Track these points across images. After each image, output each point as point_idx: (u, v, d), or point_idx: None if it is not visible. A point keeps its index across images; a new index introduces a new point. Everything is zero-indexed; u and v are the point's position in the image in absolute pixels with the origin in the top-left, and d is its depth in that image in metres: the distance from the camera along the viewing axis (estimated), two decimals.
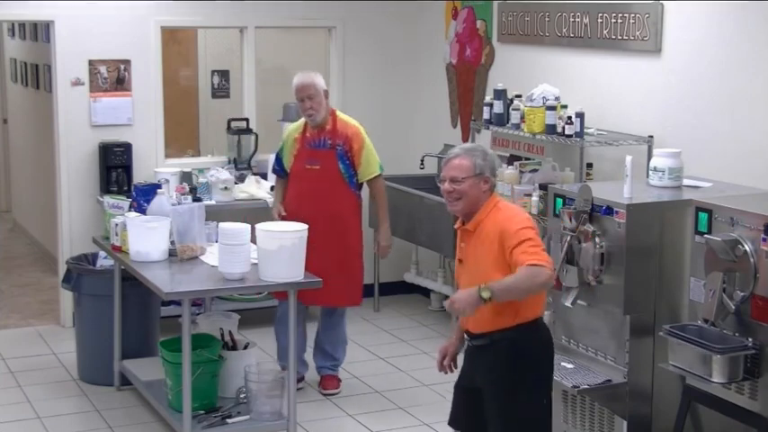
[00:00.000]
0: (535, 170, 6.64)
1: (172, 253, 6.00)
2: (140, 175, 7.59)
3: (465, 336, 4.52)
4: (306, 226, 5.63)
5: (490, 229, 4.31)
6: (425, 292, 8.42)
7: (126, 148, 7.70)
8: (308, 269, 5.67)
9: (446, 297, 8.01)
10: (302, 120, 6.46)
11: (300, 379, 6.50)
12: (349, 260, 6.40)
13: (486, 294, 4.12)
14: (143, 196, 6.35)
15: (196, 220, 6.06)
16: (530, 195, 6.48)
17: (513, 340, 4.30)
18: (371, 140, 6.43)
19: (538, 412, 4.39)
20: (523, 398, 4.33)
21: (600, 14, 6.60)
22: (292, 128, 6.53)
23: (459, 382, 4.62)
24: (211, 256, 5.93)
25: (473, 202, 4.37)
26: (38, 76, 9.47)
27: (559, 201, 5.43)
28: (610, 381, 5.17)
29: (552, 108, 6.39)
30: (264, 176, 7.84)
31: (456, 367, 4.62)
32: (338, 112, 6.43)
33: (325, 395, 6.47)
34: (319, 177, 6.31)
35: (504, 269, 4.22)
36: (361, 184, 6.44)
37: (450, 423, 4.70)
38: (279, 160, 6.53)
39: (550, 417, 4.48)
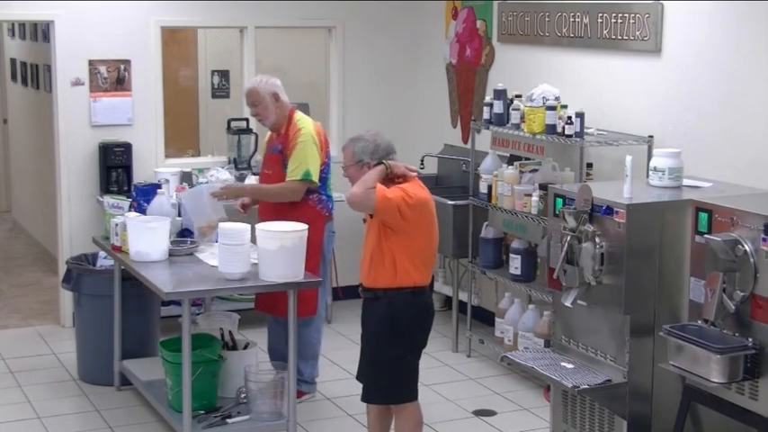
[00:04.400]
0: (535, 170, 6.64)
1: (172, 253, 6.01)
2: (140, 175, 7.59)
3: (360, 289, 5.24)
4: (306, 226, 5.62)
5: None
6: None
7: (126, 148, 7.71)
8: None
9: (447, 297, 8.02)
10: None
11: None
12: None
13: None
14: (143, 196, 6.36)
15: (205, 197, 6.10)
16: (530, 195, 6.48)
17: (389, 299, 5.03)
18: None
19: (398, 365, 5.09)
20: (387, 350, 5.08)
21: (600, 14, 6.60)
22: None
23: None
24: (211, 257, 5.93)
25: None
26: (38, 76, 9.48)
27: (559, 201, 5.43)
28: (610, 381, 5.17)
29: (552, 108, 6.39)
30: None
31: None
32: (296, 114, 6.27)
33: None
34: (270, 183, 6.25)
35: (377, 230, 5.03)
36: (314, 189, 6.18)
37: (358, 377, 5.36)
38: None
39: (412, 372, 5.16)
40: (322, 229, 6.25)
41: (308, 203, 6.19)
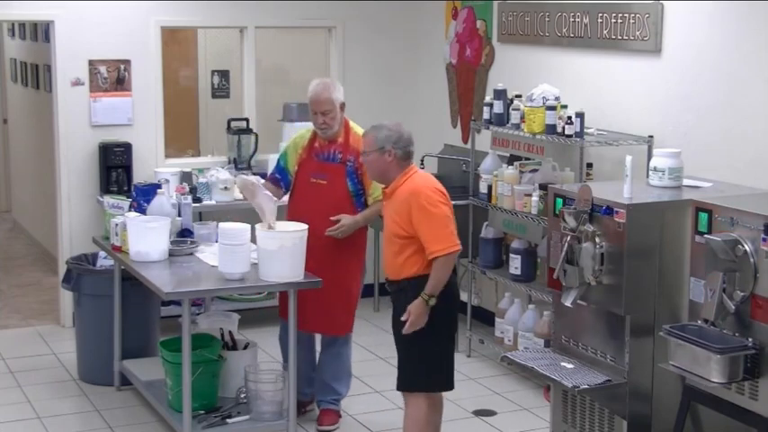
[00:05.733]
0: (535, 170, 6.64)
1: (172, 253, 6.01)
2: (140, 175, 7.59)
3: (386, 284, 5.26)
4: (306, 226, 5.61)
5: (402, 193, 5.05)
6: None
7: (126, 148, 7.71)
8: (307, 294, 5.65)
9: None
10: (312, 126, 6.00)
11: (309, 402, 6.25)
12: (348, 286, 5.98)
13: (432, 302, 4.99)
14: (143, 196, 6.35)
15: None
16: (530, 195, 6.48)
17: (419, 286, 5.00)
18: None
19: (436, 350, 5.13)
20: (423, 338, 5.05)
21: (600, 14, 6.60)
22: (300, 133, 6.11)
23: None
24: (211, 256, 5.93)
25: (381, 172, 5.15)
26: (38, 76, 9.48)
27: (559, 201, 5.43)
28: (610, 381, 5.17)
29: (552, 108, 6.39)
30: (264, 176, 7.81)
31: None
32: (351, 124, 5.98)
33: (320, 431, 6.08)
34: (325, 193, 5.85)
35: (409, 227, 4.99)
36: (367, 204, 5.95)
37: None
38: (281, 168, 6.10)
39: (445, 362, 5.19)
40: (366, 243, 6.11)
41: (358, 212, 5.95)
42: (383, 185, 5.25)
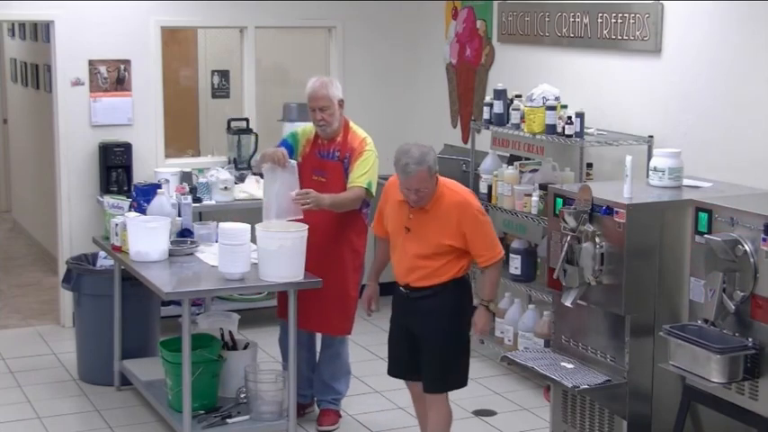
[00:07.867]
0: (535, 170, 6.64)
1: (172, 253, 6.01)
2: (140, 175, 7.59)
3: (403, 290, 5.19)
4: (306, 226, 5.61)
5: (446, 205, 5.05)
6: None
7: (126, 148, 7.71)
8: (304, 292, 5.64)
9: None
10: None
11: (309, 404, 6.25)
12: (345, 286, 5.95)
13: (492, 306, 5.20)
14: (143, 196, 6.35)
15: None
16: (530, 195, 6.48)
17: (453, 288, 5.12)
18: (377, 147, 5.98)
19: (465, 350, 5.23)
20: (455, 337, 5.16)
21: (600, 14, 6.60)
22: (306, 128, 6.06)
23: (394, 334, 5.33)
24: (211, 256, 5.93)
25: (432, 194, 5.08)
26: (38, 76, 9.48)
27: (559, 201, 5.43)
28: (610, 381, 5.17)
29: (552, 108, 6.39)
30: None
31: (378, 310, 5.49)
32: (351, 124, 5.99)
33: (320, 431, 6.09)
34: (325, 191, 5.79)
35: (457, 237, 5.03)
36: (368, 202, 5.94)
37: (390, 373, 5.39)
38: (288, 144, 5.98)
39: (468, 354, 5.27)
40: (365, 244, 6.08)
41: (359, 216, 5.94)
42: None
